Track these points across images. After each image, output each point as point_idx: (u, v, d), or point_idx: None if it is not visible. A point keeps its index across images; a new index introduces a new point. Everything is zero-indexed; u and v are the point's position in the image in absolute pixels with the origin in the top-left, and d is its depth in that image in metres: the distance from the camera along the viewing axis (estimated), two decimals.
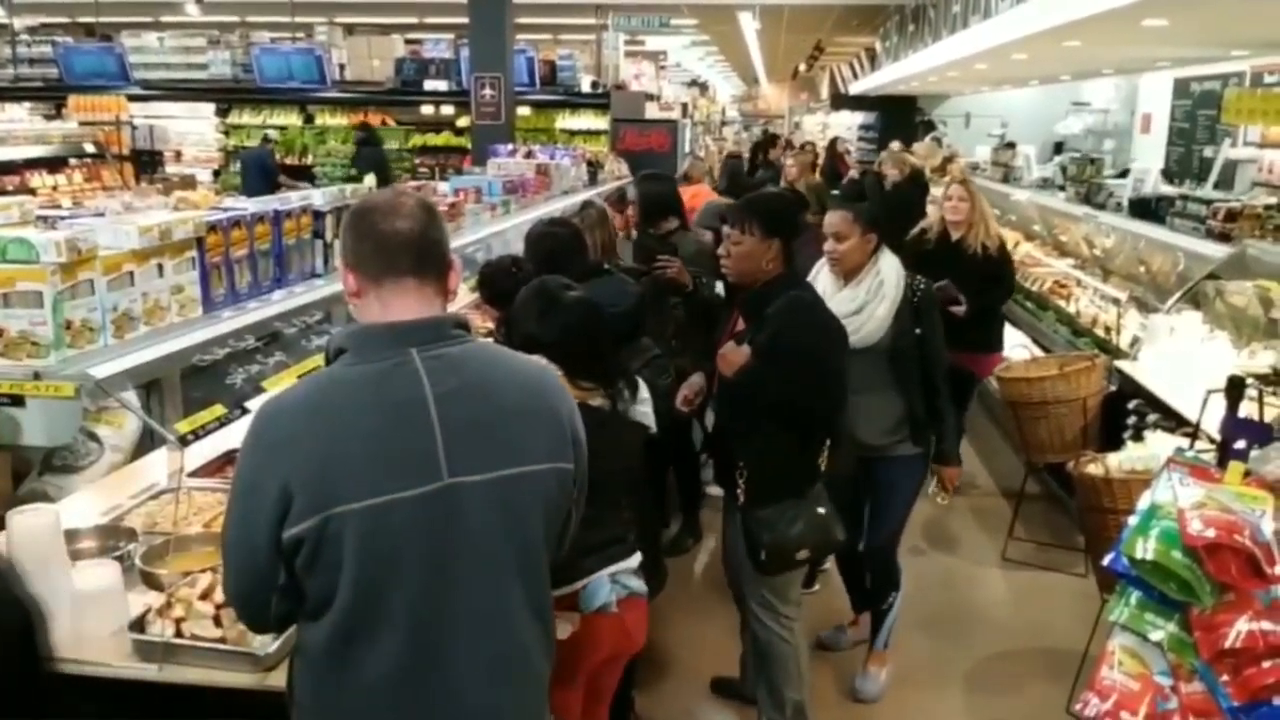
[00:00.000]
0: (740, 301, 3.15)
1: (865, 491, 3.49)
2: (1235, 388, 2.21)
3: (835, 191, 9.32)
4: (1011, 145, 10.35)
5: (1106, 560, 2.03)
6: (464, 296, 5.35)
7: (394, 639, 1.53)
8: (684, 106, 13.59)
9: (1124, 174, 8.10)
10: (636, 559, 2.42)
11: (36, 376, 2.19)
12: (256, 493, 1.50)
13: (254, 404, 2.33)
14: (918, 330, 3.31)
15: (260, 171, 10.51)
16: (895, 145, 9.22)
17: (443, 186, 5.50)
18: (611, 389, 2.41)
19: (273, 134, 11.78)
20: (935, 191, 9.87)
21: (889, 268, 3.33)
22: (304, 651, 1.61)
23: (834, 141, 13.69)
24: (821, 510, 2.85)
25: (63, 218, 2.85)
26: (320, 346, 3.86)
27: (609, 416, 2.38)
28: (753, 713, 3.23)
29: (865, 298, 3.28)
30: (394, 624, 1.53)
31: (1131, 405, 4.34)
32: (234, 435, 2.33)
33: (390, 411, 1.52)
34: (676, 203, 4.82)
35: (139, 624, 2.05)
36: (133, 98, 11.61)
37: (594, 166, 8.21)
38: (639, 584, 2.39)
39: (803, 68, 22.19)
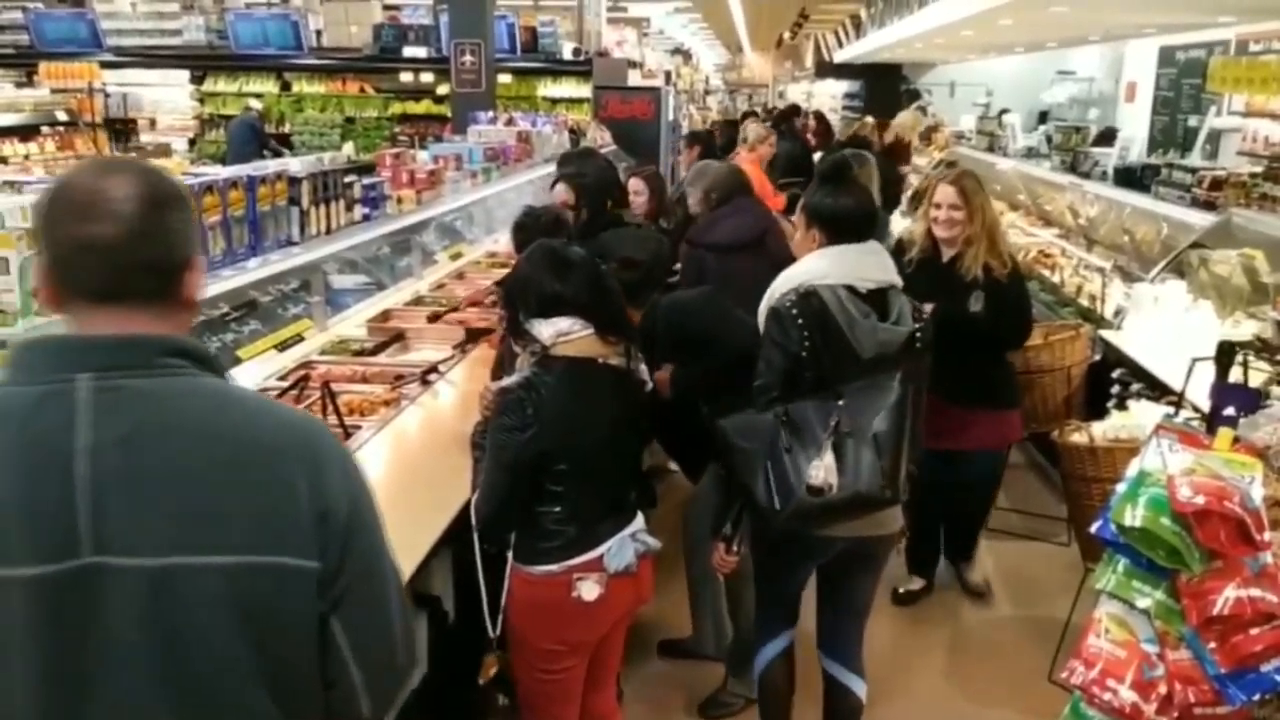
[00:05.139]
0: None
1: None
2: (1225, 354, 2.20)
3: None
4: (1005, 111, 10.28)
5: (1094, 528, 2.01)
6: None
7: None
8: (667, 74, 13.45)
9: (1105, 136, 8.07)
10: (641, 516, 2.42)
11: (3, 345, 2.13)
12: None
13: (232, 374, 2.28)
14: None
15: (251, 135, 10.42)
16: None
17: (422, 154, 5.42)
18: (631, 344, 2.36)
19: (254, 103, 11.59)
20: (918, 160, 9.86)
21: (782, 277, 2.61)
22: None
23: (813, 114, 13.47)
24: None
25: (30, 183, 2.78)
26: (297, 315, 3.83)
27: (626, 375, 2.34)
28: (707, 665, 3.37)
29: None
30: None
31: (1116, 374, 4.34)
32: None
33: (21, 454, 1.11)
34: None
35: None
36: (105, 65, 11.37)
37: (576, 134, 8.12)
38: (655, 541, 2.39)
39: (787, 36, 22.02)
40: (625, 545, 2.28)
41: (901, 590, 3.97)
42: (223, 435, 1.18)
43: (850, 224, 2.57)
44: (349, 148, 8.89)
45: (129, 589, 1.11)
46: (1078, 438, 3.42)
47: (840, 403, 2.40)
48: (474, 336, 3.93)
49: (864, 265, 2.54)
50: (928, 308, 3.20)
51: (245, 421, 1.21)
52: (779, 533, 2.48)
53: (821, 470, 2.34)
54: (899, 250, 3.66)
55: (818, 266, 2.53)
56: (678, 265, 4.22)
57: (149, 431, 1.14)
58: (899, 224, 8.26)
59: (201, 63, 11.93)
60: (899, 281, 2.60)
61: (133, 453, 1.13)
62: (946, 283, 3.49)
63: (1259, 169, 5.27)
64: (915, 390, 2.49)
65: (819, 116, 12.84)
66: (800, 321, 2.44)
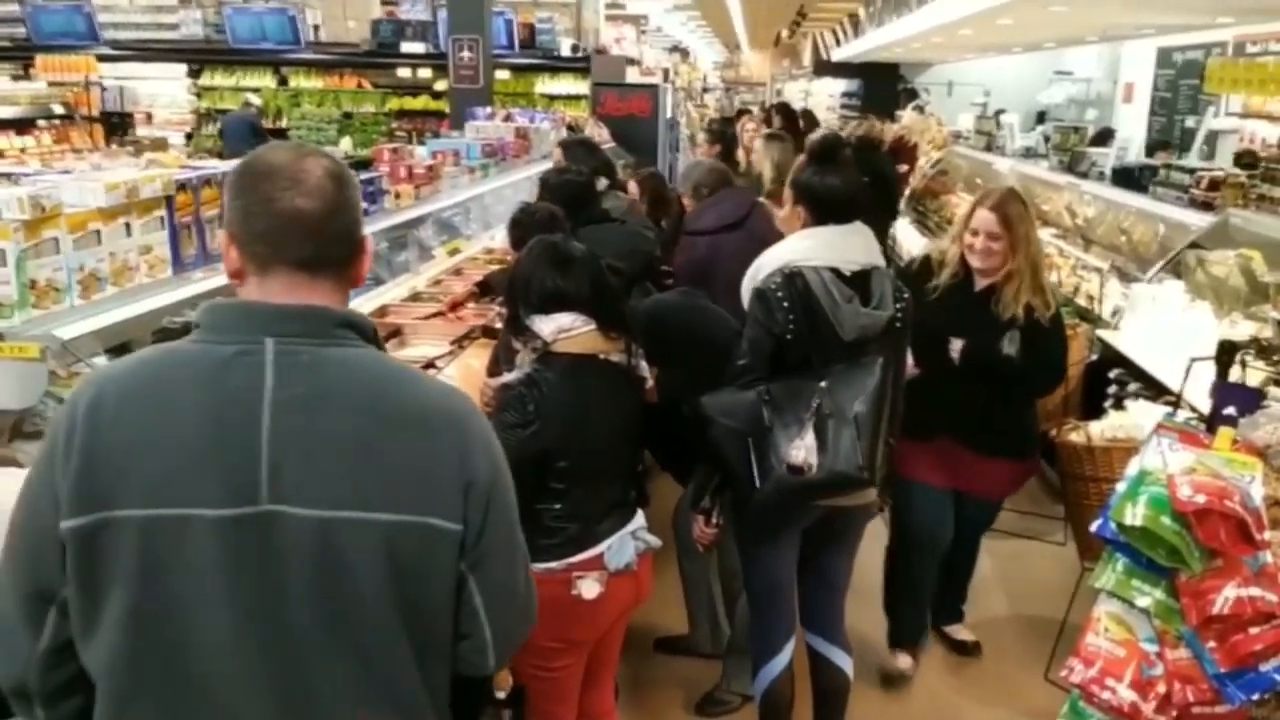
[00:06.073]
0: None
1: None
2: (1226, 354, 2.20)
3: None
4: (1003, 111, 10.28)
5: (1094, 526, 2.02)
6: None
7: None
8: (665, 72, 13.43)
9: (1102, 136, 8.08)
10: (641, 514, 2.41)
11: (0, 338, 2.13)
12: (44, 479, 1.24)
13: None
14: None
15: (251, 133, 10.36)
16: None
17: (420, 150, 5.41)
18: (631, 340, 2.35)
19: (253, 97, 11.56)
20: (919, 161, 9.85)
21: (767, 256, 2.60)
22: None
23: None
24: None
25: (26, 175, 2.78)
26: None
27: (627, 372, 2.33)
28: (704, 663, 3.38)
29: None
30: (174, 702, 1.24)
31: (1113, 374, 4.35)
32: None
33: (213, 406, 1.23)
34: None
35: None
36: (102, 58, 11.31)
37: (574, 131, 8.11)
38: (655, 539, 2.38)
39: (785, 34, 22.00)
40: (626, 543, 2.28)
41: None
42: (385, 404, 1.29)
43: (837, 204, 2.57)
44: (346, 143, 8.90)
45: (301, 537, 1.22)
46: (1075, 437, 3.42)
47: (822, 384, 2.42)
48: (490, 334, 3.90)
49: (849, 247, 2.55)
50: (956, 344, 3.11)
51: (405, 393, 1.32)
52: (758, 506, 2.50)
53: (802, 450, 2.37)
54: (927, 271, 3.26)
55: (803, 247, 2.55)
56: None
57: (323, 395, 1.26)
58: (901, 226, 8.25)
59: (198, 56, 11.91)
60: (882, 262, 2.61)
61: (309, 413, 1.24)
62: (978, 317, 3.12)
63: (1257, 169, 5.28)
64: (895, 370, 2.53)
65: (807, 115, 12.87)
66: (786, 304, 2.46)
